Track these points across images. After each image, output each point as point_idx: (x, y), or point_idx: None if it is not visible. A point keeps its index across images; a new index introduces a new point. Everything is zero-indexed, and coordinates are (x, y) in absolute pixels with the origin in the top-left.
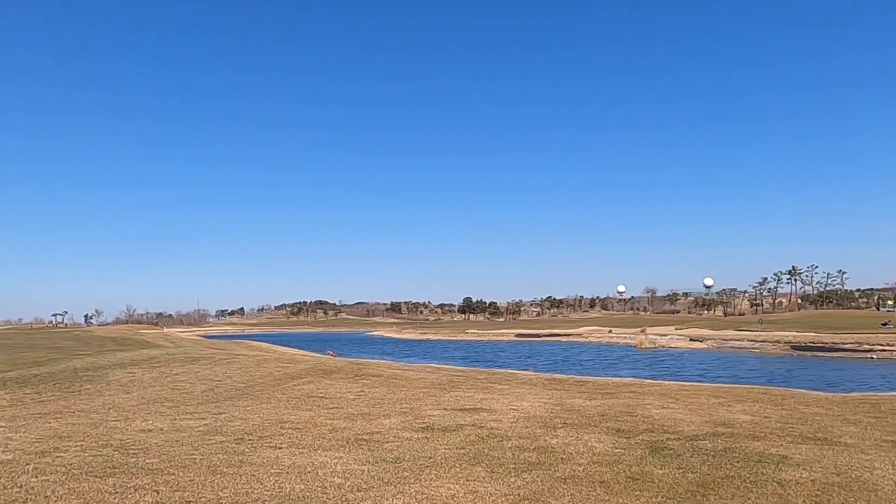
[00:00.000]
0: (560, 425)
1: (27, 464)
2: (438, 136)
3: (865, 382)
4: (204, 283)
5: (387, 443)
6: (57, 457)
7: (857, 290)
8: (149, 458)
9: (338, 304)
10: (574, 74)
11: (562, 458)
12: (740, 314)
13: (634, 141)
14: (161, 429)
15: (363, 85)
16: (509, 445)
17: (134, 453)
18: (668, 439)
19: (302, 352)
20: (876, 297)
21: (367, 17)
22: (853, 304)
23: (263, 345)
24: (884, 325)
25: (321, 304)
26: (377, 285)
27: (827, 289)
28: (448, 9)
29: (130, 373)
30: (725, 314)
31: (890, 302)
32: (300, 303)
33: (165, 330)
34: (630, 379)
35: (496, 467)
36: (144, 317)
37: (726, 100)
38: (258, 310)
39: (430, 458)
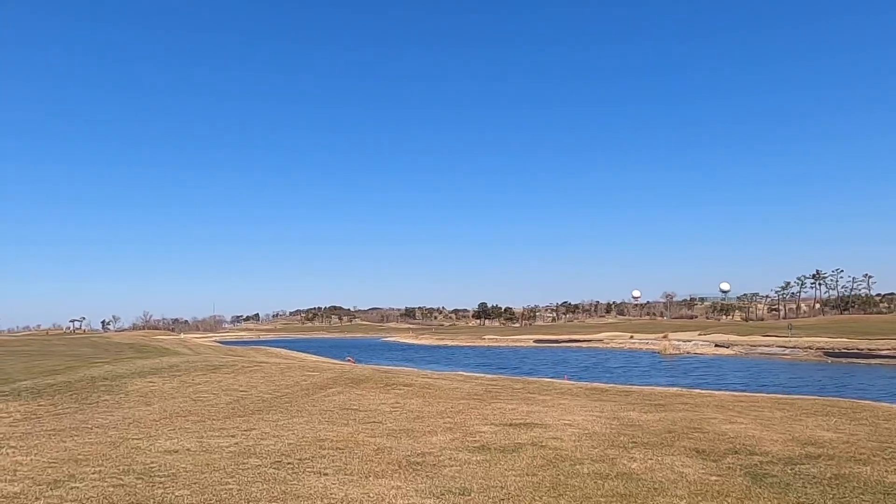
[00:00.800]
0: (630, 444)
1: (36, 498)
2: (451, 140)
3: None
4: (219, 288)
5: (444, 467)
6: (71, 488)
7: (878, 294)
8: (178, 488)
9: (352, 309)
10: (589, 74)
11: (654, 489)
12: (759, 319)
13: (647, 143)
14: (188, 449)
15: (376, 86)
16: (586, 471)
17: (160, 482)
18: (761, 463)
19: (322, 358)
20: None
21: (389, 17)
22: (874, 309)
23: (282, 351)
24: None
25: (335, 310)
26: (391, 291)
27: (852, 293)
28: (469, 7)
29: (150, 382)
30: (746, 319)
31: None
32: (315, 308)
33: (182, 336)
34: (675, 388)
35: (583, 501)
36: (161, 323)
37: (742, 99)
38: (273, 315)
39: (502, 488)
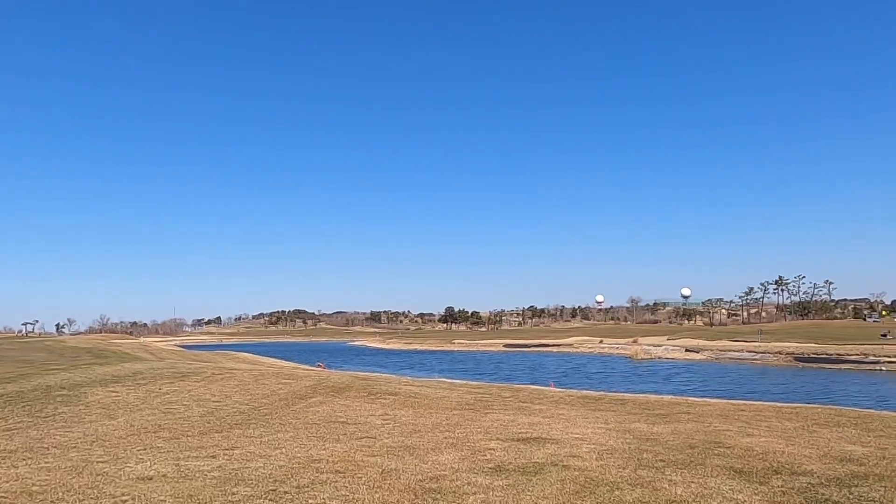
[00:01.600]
0: (659, 464)
1: None
2: (418, 141)
3: (891, 394)
4: (180, 290)
5: (466, 495)
6: None
7: (832, 300)
8: None
9: (317, 313)
10: (573, 74)
11: None
12: (721, 324)
13: (612, 150)
14: (164, 475)
15: (345, 85)
16: (629, 499)
17: None
18: (811, 485)
19: (294, 364)
20: (851, 308)
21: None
22: (827, 315)
23: (249, 356)
24: (883, 335)
25: (300, 314)
26: (356, 294)
27: (813, 299)
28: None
29: (112, 392)
30: (711, 324)
31: (885, 314)
32: (278, 312)
33: (142, 340)
34: (669, 396)
35: None
36: (119, 326)
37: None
38: (235, 319)
39: None
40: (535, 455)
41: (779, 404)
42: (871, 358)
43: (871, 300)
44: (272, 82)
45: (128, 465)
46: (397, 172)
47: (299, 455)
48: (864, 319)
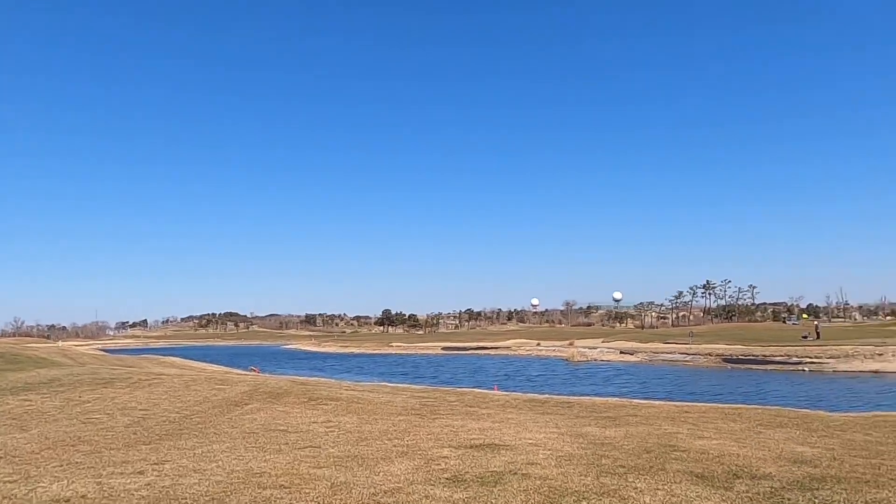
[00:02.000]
0: (620, 470)
1: None
2: (352, 140)
3: (822, 396)
4: (102, 292)
5: None
6: None
7: (754, 304)
8: None
9: (249, 315)
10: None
11: None
12: (651, 327)
13: (544, 152)
14: (84, 495)
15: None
16: None
17: None
18: (774, 489)
19: (226, 368)
20: (770, 311)
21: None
22: (749, 317)
23: (178, 360)
24: (804, 337)
25: (231, 316)
26: (290, 297)
27: (738, 302)
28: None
29: (26, 400)
30: (643, 327)
31: (805, 316)
32: (209, 314)
33: (60, 344)
34: (614, 399)
35: None
36: (35, 329)
37: (632, 105)
38: (163, 322)
39: None
40: (492, 463)
41: (721, 405)
42: (795, 359)
43: (789, 304)
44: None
45: (41, 484)
46: (328, 172)
47: (238, 468)
48: (784, 322)
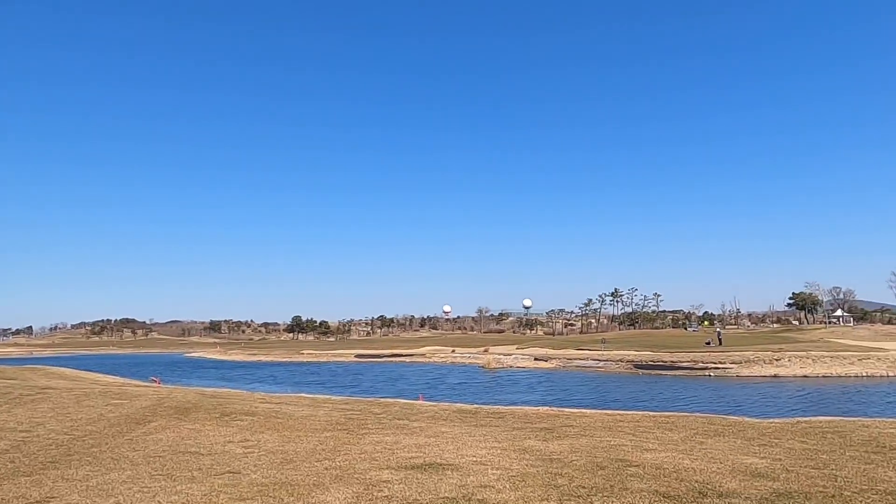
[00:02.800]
0: (581, 491)
1: None
2: (266, 141)
3: (738, 401)
4: None
5: None
6: None
7: (658, 311)
8: None
9: (148, 322)
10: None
11: None
12: (560, 333)
13: (459, 164)
14: None
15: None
16: None
17: None
18: None
19: (123, 380)
20: (669, 318)
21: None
22: (651, 324)
23: (68, 371)
24: (707, 343)
25: (128, 323)
26: (193, 303)
27: (643, 310)
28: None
29: None
30: (553, 333)
31: (706, 323)
32: (103, 321)
33: None
34: (545, 408)
35: None
36: None
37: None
38: (51, 328)
39: None
40: (441, 488)
41: (651, 413)
42: (700, 364)
43: (688, 311)
44: None
45: None
46: (232, 171)
47: None
48: (685, 329)
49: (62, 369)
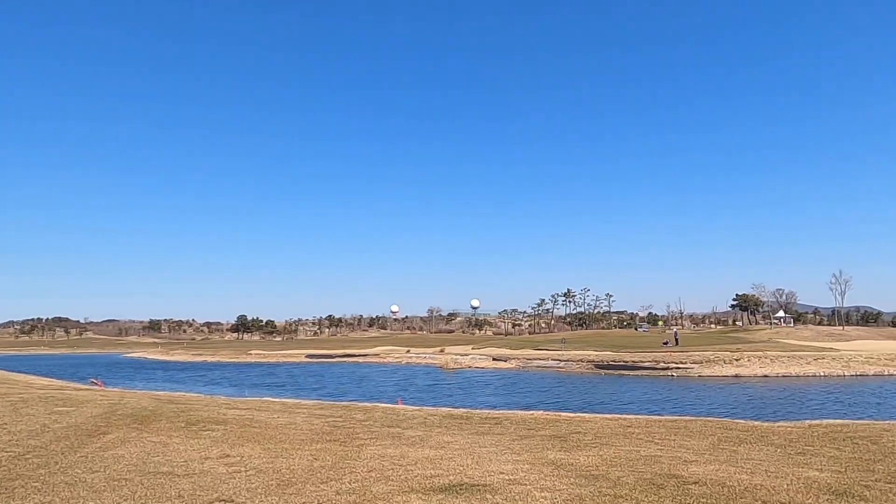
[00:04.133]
0: None
1: None
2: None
3: (713, 400)
4: None
5: None
6: None
7: (609, 312)
8: None
9: (83, 321)
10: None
11: None
12: (508, 333)
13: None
14: None
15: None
16: None
17: None
18: None
19: (62, 382)
20: (615, 319)
21: None
22: (600, 325)
23: None
24: (665, 343)
25: (61, 322)
26: (130, 301)
27: (595, 310)
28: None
29: None
30: (506, 333)
31: (660, 323)
32: (33, 320)
33: None
34: (540, 412)
35: None
36: None
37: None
38: None
39: None
40: None
41: (658, 418)
42: (662, 364)
43: (635, 312)
44: None
45: None
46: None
47: None
48: (636, 329)
49: None
